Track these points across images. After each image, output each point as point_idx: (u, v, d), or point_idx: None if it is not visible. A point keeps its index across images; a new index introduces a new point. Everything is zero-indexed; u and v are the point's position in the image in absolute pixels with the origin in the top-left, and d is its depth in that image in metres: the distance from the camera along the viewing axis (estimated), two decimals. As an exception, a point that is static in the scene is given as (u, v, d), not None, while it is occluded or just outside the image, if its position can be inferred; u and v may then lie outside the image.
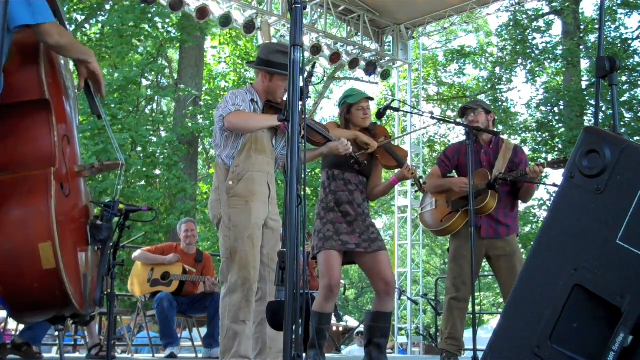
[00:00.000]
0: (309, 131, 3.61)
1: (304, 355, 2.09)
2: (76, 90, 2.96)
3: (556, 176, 18.01)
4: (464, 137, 4.16)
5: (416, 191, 4.81)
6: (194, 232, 6.24)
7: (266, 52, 3.60)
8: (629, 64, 13.50)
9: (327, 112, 33.23)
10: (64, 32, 2.68)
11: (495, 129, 4.66)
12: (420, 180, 4.11)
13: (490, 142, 4.50)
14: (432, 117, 4.52)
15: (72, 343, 8.08)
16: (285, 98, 3.44)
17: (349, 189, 3.90)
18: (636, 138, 12.55)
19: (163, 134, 14.29)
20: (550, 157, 14.02)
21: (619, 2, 14.01)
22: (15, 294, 2.50)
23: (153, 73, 15.10)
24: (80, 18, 14.51)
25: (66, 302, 2.53)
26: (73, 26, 13.81)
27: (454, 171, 4.61)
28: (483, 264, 4.83)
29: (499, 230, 4.36)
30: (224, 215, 3.45)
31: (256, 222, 3.44)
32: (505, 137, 12.79)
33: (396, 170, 4.06)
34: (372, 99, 4.11)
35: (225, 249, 3.43)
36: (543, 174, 4.32)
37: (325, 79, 18.10)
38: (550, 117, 14.57)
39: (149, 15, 13.68)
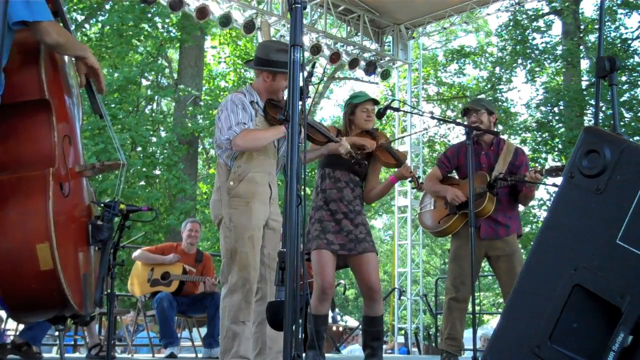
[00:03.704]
0: (310, 130, 3.62)
1: (303, 355, 2.09)
2: (80, 89, 2.96)
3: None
4: (464, 138, 4.15)
5: (413, 187, 4.84)
6: (198, 233, 6.26)
7: (266, 51, 3.57)
8: (629, 64, 13.49)
9: (327, 112, 33.25)
10: (62, 30, 2.69)
11: (496, 129, 4.65)
12: (418, 180, 4.14)
13: (492, 144, 4.47)
14: (432, 117, 4.53)
15: (72, 343, 8.08)
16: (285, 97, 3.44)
17: (338, 186, 3.93)
18: (636, 138, 12.54)
19: (163, 134, 14.27)
20: (550, 157, 14.03)
21: (619, 2, 14.00)
22: (14, 295, 2.50)
23: (153, 73, 15.09)
24: (80, 18, 14.50)
25: (64, 303, 2.52)
26: (73, 26, 13.78)
27: (454, 171, 4.61)
28: (483, 264, 4.81)
29: (498, 231, 4.35)
30: (224, 215, 3.44)
31: (257, 223, 3.44)
32: (505, 137, 12.77)
33: (395, 170, 4.09)
34: (377, 102, 4.12)
35: (226, 250, 3.43)
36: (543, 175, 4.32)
37: (325, 79, 18.09)
38: (550, 117, 14.55)
39: (149, 15, 13.67)
